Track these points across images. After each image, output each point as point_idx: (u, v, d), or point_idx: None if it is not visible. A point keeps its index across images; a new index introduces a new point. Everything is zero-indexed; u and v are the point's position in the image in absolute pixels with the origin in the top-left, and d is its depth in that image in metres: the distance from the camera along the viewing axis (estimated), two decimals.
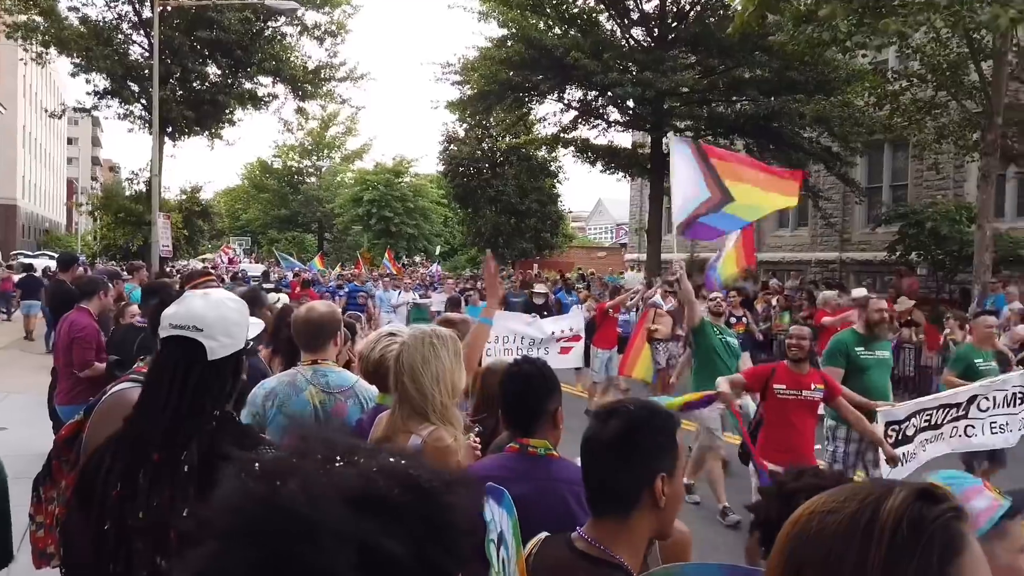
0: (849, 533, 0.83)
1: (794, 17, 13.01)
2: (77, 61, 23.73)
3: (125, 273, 10.81)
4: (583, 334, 10.19)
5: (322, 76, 26.79)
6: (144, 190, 25.69)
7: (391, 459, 0.79)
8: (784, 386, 5.26)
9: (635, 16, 21.20)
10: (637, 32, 21.53)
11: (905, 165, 21.05)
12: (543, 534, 1.76)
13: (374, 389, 3.07)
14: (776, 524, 1.71)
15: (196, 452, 1.72)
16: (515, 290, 17.42)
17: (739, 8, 13.30)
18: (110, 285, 6.22)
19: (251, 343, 2.11)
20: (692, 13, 20.66)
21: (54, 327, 6.82)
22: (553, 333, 9.78)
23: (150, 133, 20.77)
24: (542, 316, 11.01)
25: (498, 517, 1.77)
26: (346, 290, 17.18)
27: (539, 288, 15.20)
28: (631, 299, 11.66)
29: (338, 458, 0.77)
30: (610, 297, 11.89)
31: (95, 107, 25.70)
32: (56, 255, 17.82)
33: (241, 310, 1.93)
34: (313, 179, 49.62)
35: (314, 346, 3.08)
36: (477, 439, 2.62)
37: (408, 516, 0.73)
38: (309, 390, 2.96)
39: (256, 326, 2.33)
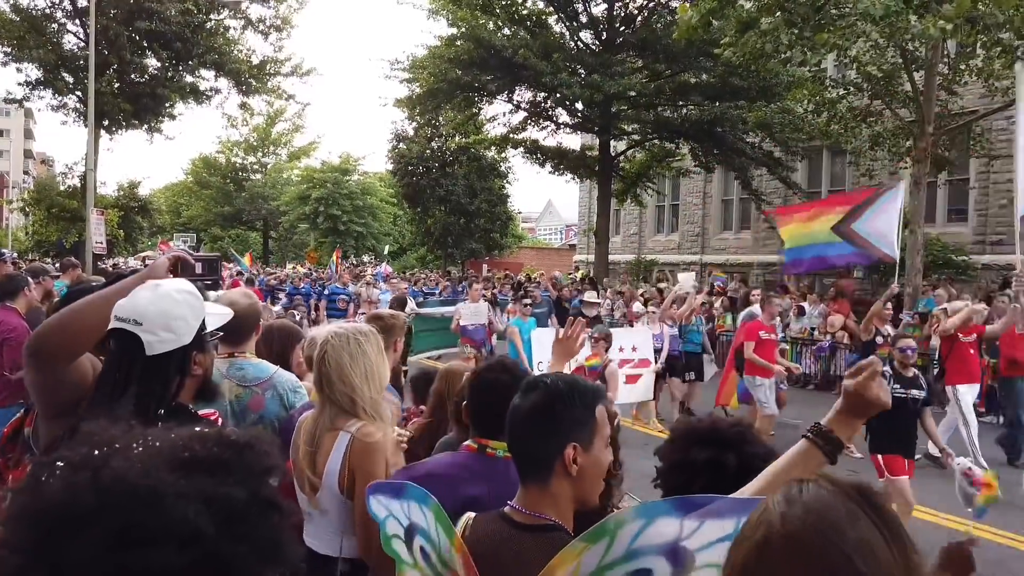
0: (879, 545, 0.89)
1: (738, 23, 13.28)
2: (7, 50, 22.75)
3: (54, 270, 10.37)
4: (652, 358, 8.37)
5: (267, 71, 26.24)
6: (79, 185, 24.81)
7: (186, 432, 0.87)
8: None
9: (584, 19, 21.38)
10: (586, 35, 21.72)
11: (843, 171, 21.72)
12: (470, 514, 1.75)
13: (294, 378, 3.05)
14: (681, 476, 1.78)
15: None
16: (535, 299, 12.77)
17: (687, 14, 13.51)
18: (30, 280, 5.97)
19: (214, 335, 2.04)
20: (640, 18, 20.95)
21: None
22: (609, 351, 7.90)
23: (85, 126, 20.06)
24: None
25: (400, 511, 1.74)
26: (327, 292, 15.97)
27: (589, 297, 11.31)
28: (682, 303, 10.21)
29: (135, 443, 0.82)
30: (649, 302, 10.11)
31: (26, 98, 24.66)
32: None
33: (190, 303, 1.86)
34: (258, 176, 48.55)
35: (236, 341, 2.99)
36: (404, 434, 2.62)
37: (234, 467, 0.81)
38: (224, 384, 2.86)
39: (219, 317, 2.24)
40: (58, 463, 0.79)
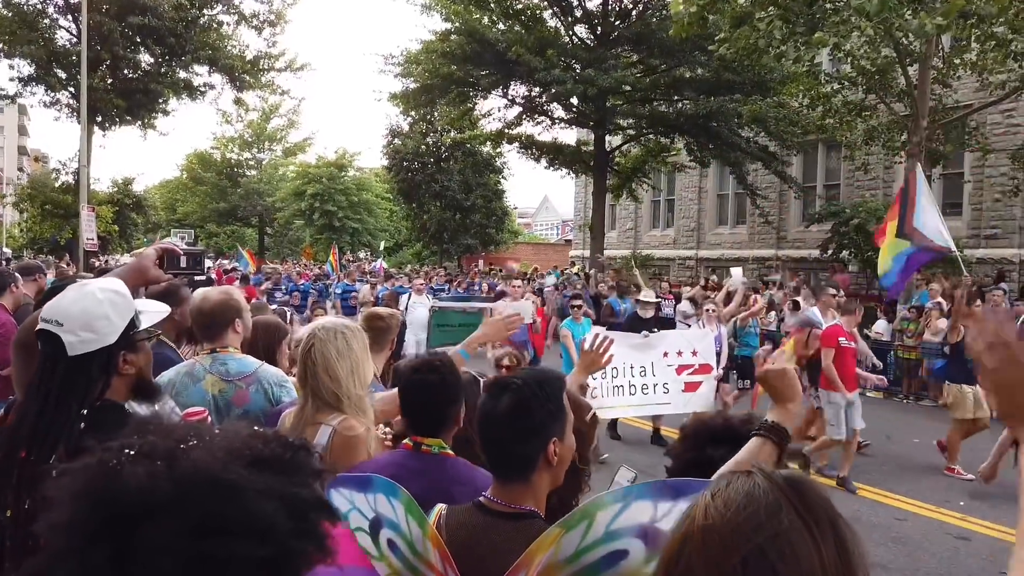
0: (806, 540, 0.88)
1: (732, 18, 13.26)
2: None
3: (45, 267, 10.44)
4: (714, 363, 7.49)
5: (261, 66, 26.21)
6: (72, 181, 24.74)
7: (241, 429, 0.88)
8: None
9: (579, 14, 21.35)
10: (580, 30, 21.71)
11: (838, 165, 21.72)
12: (441, 505, 1.77)
13: (280, 372, 3.02)
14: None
15: (65, 453, 1.63)
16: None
17: (680, 9, 13.46)
18: (19, 277, 5.95)
19: (152, 332, 1.99)
20: (635, 12, 20.92)
21: None
22: (667, 355, 7.13)
23: (78, 122, 19.98)
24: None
25: (365, 504, 1.73)
26: (339, 291, 15.50)
27: (646, 296, 9.61)
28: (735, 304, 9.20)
29: (193, 436, 0.83)
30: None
31: (19, 94, 24.60)
32: None
33: (114, 301, 1.81)
34: (253, 172, 48.41)
35: (211, 336, 2.98)
36: (388, 431, 2.60)
37: (294, 467, 0.84)
38: (207, 379, 2.85)
39: (154, 315, 2.20)
40: (126, 450, 0.79)
